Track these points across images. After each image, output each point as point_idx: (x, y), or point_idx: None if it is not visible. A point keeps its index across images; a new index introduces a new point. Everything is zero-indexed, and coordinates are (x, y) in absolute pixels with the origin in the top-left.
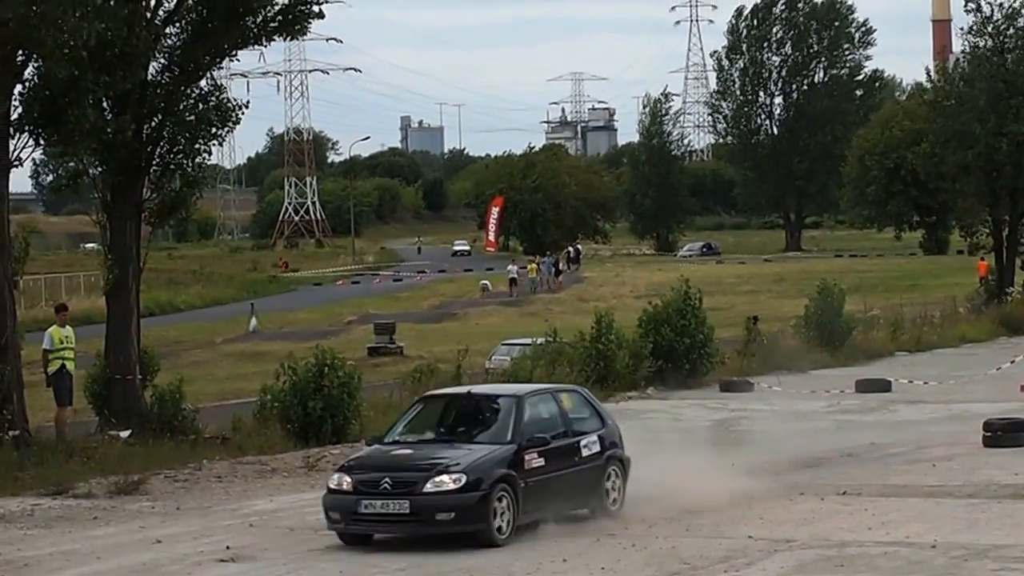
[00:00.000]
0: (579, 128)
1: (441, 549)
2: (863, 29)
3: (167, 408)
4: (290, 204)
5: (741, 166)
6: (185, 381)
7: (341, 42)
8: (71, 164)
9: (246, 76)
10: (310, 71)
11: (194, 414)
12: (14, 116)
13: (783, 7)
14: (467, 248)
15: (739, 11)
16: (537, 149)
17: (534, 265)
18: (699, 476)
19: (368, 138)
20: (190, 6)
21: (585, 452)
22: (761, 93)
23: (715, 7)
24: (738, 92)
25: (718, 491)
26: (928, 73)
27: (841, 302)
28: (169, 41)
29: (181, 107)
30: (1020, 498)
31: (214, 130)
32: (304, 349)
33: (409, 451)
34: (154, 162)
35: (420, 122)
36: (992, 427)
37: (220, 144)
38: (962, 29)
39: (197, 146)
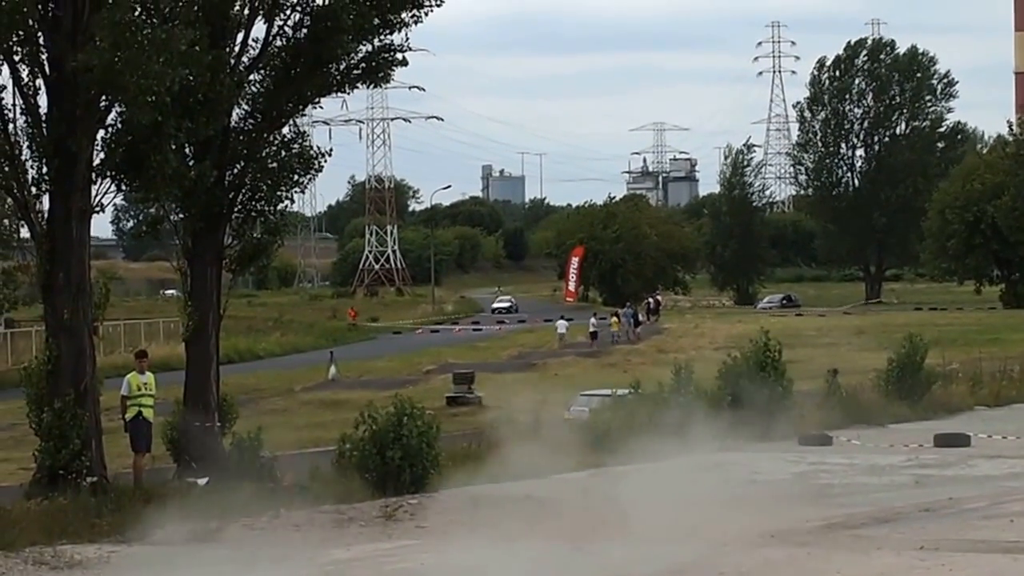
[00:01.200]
0: (660, 178)
1: None
2: (945, 81)
3: (246, 455)
4: (370, 252)
5: (822, 218)
6: (264, 428)
7: (424, 90)
8: (152, 210)
9: (328, 124)
10: (392, 119)
11: (272, 462)
12: (96, 161)
13: (865, 59)
14: (509, 304)
15: (821, 62)
16: (618, 199)
17: (616, 319)
18: None
19: (449, 187)
20: (274, 53)
21: None
22: (843, 145)
23: (797, 58)
24: (819, 143)
25: None
26: (1010, 126)
27: (923, 355)
28: (253, 88)
29: (263, 154)
30: None
31: (296, 177)
32: (383, 398)
33: None
34: (236, 209)
35: (501, 171)
36: None
37: (302, 192)
38: None
39: (279, 193)
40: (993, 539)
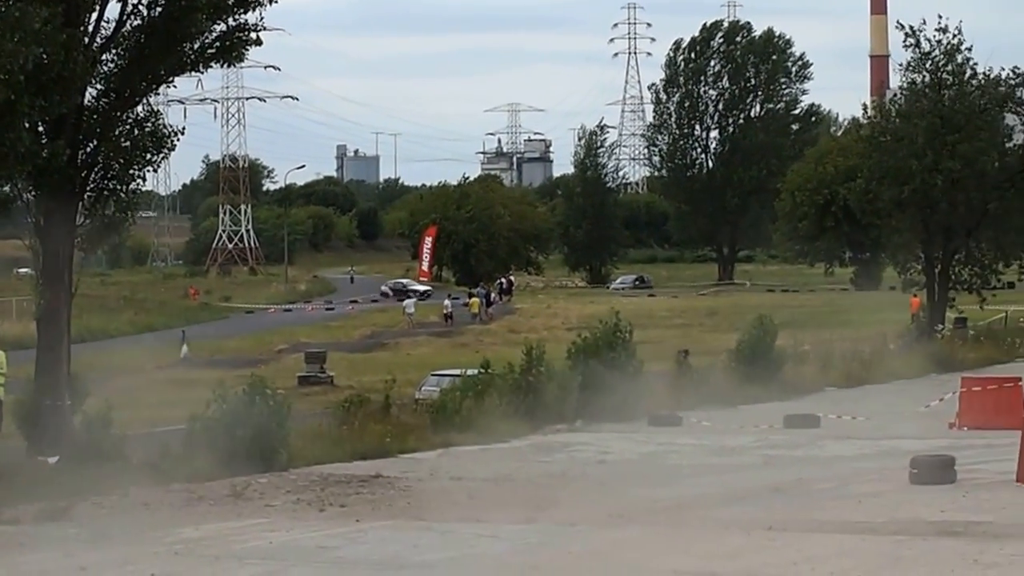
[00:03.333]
0: (515, 159)
1: None
2: (800, 63)
3: (96, 434)
4: (224, 231)
5: (675, 199)
6: (114, 407)
7: (279, 70)
8: (5, 188)
9: (183, 103)
10: (247, 98)
11: (122, 440)
12: None
13: (721, 41)
14: (425, 288)
15: (677, 44)
16: (472, 180)
17: (476, 300)
18: None
19: (304, 166)
20: (128, 32)
21: None
22: (697, 126)
23: (653, 40)
24: (674, 125)
25: None
26: (865, 108)
27: (774, 337)
28: (106, 67)
29: (117, 133)
30: (945, 535)
31: (149, 156)
32: (234, 377)
33: None
34: (88, 187)
35: (356, 151)
36: (919, 463)
37: (155, 170)
38: (900, 65)
39: (132, 172)
40: (841, 519)
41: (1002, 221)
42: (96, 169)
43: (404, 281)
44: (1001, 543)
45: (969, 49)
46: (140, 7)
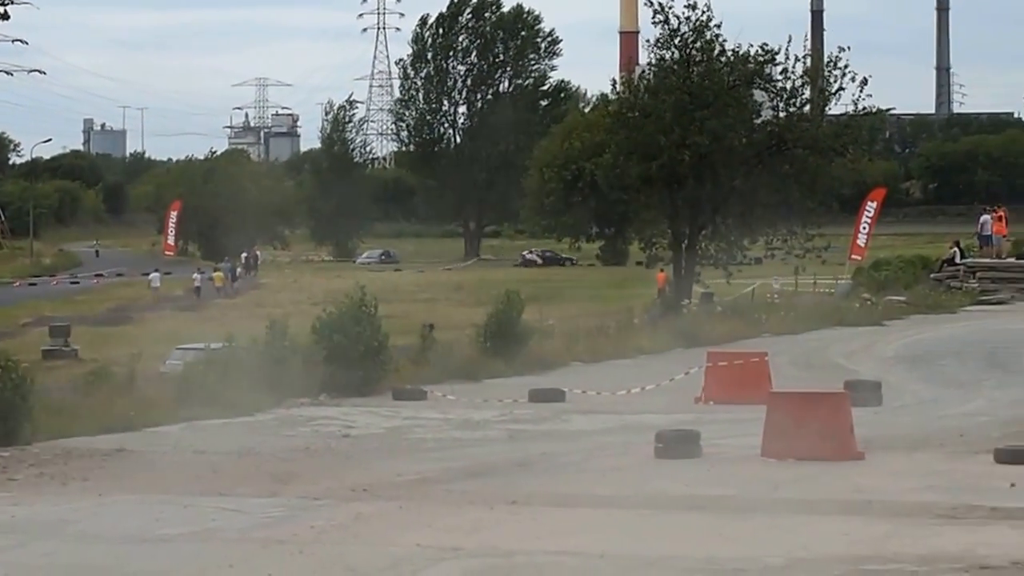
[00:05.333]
0: (262, 134)
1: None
2: (549, 39)
3: None
4: None
5: (423, 174)
6: None
7: (26, 43)
8: None
9: None
10: None
11: None
12: None
13: (469, 16)
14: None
15: (424, 19)
16: (219, 154)
17: (219, 274)
18: None
19: (50, 140)
20: None
21: None
22: (445, 102)
23: (402, 15)
24: (421, 100)
25: None
26: (613, 84)
27: (520, 311)
28: None
29: None
30: (689, 509)
31: None
32: None
33: None
34: None
35: (103, 125)
36: (664, 437)
37: None
38: (648, 41)
39: None
40: (585, 493)
41: (749, 197)
42: None
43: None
44: (745, 517)
45: (718, 26)
46: None
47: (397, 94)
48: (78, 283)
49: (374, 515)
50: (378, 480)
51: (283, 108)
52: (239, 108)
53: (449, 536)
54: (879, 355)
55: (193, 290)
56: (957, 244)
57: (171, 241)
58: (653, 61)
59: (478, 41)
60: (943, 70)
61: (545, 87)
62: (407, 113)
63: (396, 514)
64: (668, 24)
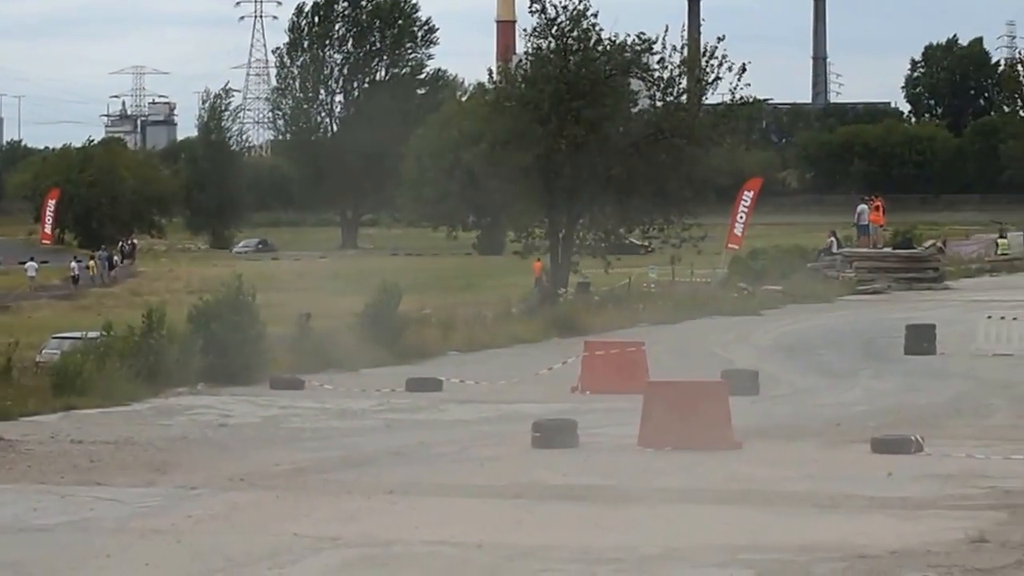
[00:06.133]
0: (139, 122)
1: None
2: (426, 28)
3: None
4: None
5: (299, 163)
6: None
7: None
8: None
9: None
10: None
11: None
12: None
13: (345, 5)
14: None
15: (300, 8)
16: (96, 142)
17: (92, 263)
18: None
19: None
20: None
21: None
22: (322, 91)
23: (280, 3)
24: (298, 89)
25: None
26: (491, 74)
27: (397, 300)
28: None
29: None
30: (566, 499)
31: None
32: None
33: None
34: None
35: None
36: (541, 427)
37: None
38: (525, 31)
39: None
40: (463, 483)
41: (626, 186)
42: None
43: None
44: (623, 506)
45: (595, 15)
46: None
47: (274, 83)
48: None
49: (251, 504)
50: (255, 469)
51: (160, 96)
52: (116, 96)
53: (327, 526)
54: (756, 344)
55: (70, 279)
56: (834, 234)
57: (48, 230)
58: (530, 50)
59: (354, 29)
60: (820, 60)
61: (422, 76)
62: (284, 102)
63: (273, 504)
64: (545, 13)
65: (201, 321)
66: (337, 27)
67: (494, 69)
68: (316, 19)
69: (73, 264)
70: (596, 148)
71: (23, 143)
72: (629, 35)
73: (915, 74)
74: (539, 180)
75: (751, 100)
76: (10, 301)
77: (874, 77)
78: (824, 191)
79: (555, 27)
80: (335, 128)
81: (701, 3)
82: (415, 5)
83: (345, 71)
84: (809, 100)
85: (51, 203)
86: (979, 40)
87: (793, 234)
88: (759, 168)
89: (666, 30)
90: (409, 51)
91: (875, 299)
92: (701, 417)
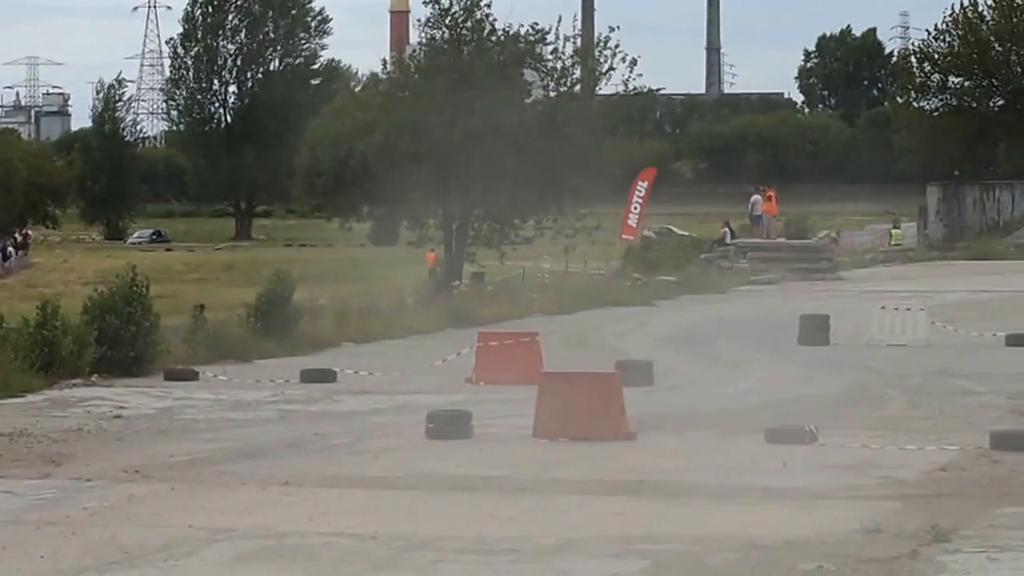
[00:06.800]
0: (33, 113)
1: None
2: (320, 18)
3: None
4: None
5: (194, 154)
6: None
7: None
8: None
9: None
10: None
11: None
12: None
13: None
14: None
15: None
16: None
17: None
18: None
19: None
20: None
21: None
22: (215, 81)
23: None
24: (192, 80)
25: None
26: (384, 64)
27: (291, 291)
28: None
29: None
30: (461, 490)
31: None
32: None
33: None
34: None
35: None
36: (436, 418)
37: None
38: (419, 21)
39: None
40: (358, 474)
41: (519, 177)
42: None
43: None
44: (517, 497)
45: (488, 5)
46: None
47: (168, 74)
48: None
49: (147, 496)
50: (150, 461)
51: (54, 87)
52: (10, 87)
53: (222, 517)
54: (650, 335)
55: None
56: (728, 224)
57: None
58: (424, 41)
59: (248, 20)
60: (714, 51)
61: (316, 66)
62: (178, 92)
63: (169, 495)
64: (439, 3)
65: (95, 313)
66: (231, 17)
67: (388, 60)
68: (210, 9)
69: None
70: (490, 139)
71: None
72: (523, 26)
73: (808, 65)
74: (433, 171)
75: (645, 91)
76: None
77: (768, 68)
78: (718, 181)
79: (449, 17)
80: (229, 119)
81: None
82: None
83: (239, 62)
84: (703, 91)
85: None
86: (873, 31)
87: (687, 224)
88: (653, 158)
89: (559, 20)
90: (303, 41)
91: (769, 289)
92: (595, 408)
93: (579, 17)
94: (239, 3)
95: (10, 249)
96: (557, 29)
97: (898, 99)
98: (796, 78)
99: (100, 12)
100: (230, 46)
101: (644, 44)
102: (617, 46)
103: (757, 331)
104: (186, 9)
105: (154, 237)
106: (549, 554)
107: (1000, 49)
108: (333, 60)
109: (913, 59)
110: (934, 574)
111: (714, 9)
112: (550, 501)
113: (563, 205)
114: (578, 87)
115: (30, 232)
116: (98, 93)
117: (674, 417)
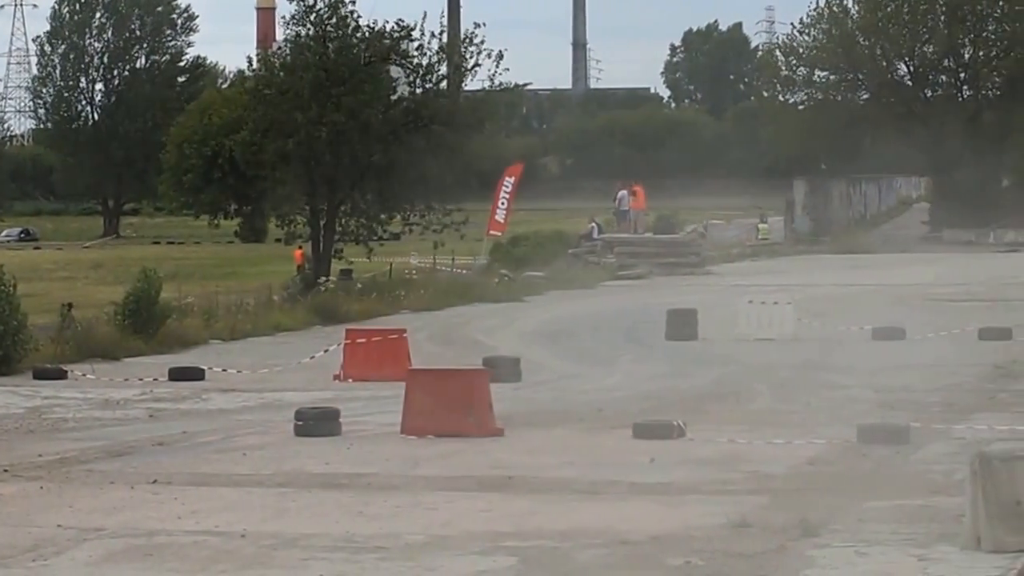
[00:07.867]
0: None
1: None
2: (186, 16)
3: None
4: None
5: (61, 152)
6: None
7: None
8: None
9: None
10: None
11: None
12: None
13: None
14: None
15: None
16: None
17: None
18: None
19: None
20: None
21: None
22: (82, 79)
23: None
24: (59, 77)
25: None
26: (250, 61)
27: (158, 289)
28: None
29: None
30: (329, 487)
31: None
32: None
33: None
34: None
35: None
36: (304, 416)
37: None
38: (284, 18)
39: None
40: (226, 472)
41: (386, 173)
42: None
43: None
44: (386, 494)
45: (353, 2)
46: None
47: (35, 71)
48: None
49: (15, 496)
50: (18, 460)
51: None
52: None
53: (90, 517)
54: (518, 331)
55: None
56: (595, 220)
57: None
58: (289, 38)
59: (114, 17)
60: (580, 46)
61: (182, 63)
62: (45, 90)
63: (37, 495)
64: (304, 1)
65: None
66: (98, 15)
67: (254, 57)
68: (77, 7)
69: None
70: (356, 135)
71: None
72: (388, 22)
73: (675, 59)
74: (300, 167)
75: (511, 86)
76: None
77: (634, 63)
78: (585, 177)
79: (313, 14)
80: (96, 116)
81: None
82: None
83: (106, 59)
84: (570, 86)
85: None
86: (739, 25)
87: (554, 220)
88: (520, 154)
89: (424, 16)
90: (169, 39)
91: (636, 284)
92: (462, 404)
93: (445, 13)
94: (106, 1)
95: None
96: (422, 25)
97: (764, 93)
98: (662, 73)
99: None
100: (97, 44)
101: (510, 40)
102: (483, 42)
103: (625, 326)
104: (53, 7)
105: (22, 236)
106: (417, 551)
107: (865, 43)
108: (199, 57)
109: (779, 53)
110: (802, 568)
111: (579, 5)
112: (418, 498)
113: (430, 201)
114: (444, 83)
115: None
116: None
117: (542, 413)
